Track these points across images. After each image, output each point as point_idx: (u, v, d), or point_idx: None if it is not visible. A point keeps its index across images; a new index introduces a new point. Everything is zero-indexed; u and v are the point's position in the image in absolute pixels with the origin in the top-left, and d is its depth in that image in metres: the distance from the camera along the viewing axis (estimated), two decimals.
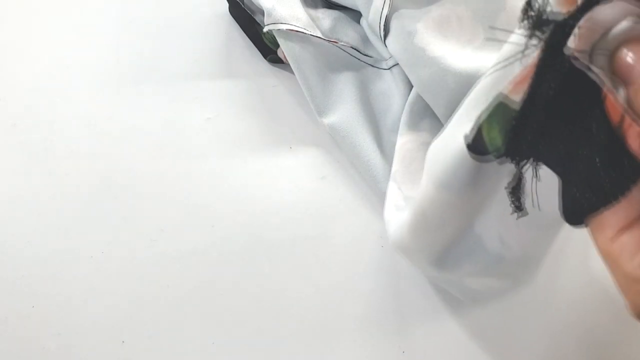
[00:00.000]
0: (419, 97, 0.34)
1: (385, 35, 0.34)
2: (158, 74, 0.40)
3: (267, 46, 0.39)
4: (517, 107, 0.18)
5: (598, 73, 0.16)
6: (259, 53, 0.41)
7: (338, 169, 0.36)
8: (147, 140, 0.37)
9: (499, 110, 0.19)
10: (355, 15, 0.38)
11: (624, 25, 0.16)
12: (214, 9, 0.43)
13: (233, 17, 0.42)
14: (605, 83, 0.16)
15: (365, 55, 0.37)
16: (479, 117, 0.19)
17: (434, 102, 0.33)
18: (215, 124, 0.38)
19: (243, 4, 0.39)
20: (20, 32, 0.41)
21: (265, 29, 0.37)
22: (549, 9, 0.17)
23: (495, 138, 0.19)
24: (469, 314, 0.32)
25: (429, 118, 0.34)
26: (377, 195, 0.34)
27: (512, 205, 0.22)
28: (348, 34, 0.37)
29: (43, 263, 0.32)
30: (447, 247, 0.25)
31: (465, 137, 0.20)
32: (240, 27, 0.42)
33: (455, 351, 0.31)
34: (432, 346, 0.31)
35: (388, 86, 0.37)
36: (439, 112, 0.32)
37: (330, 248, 0.33)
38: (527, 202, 0.21)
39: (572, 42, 0.16)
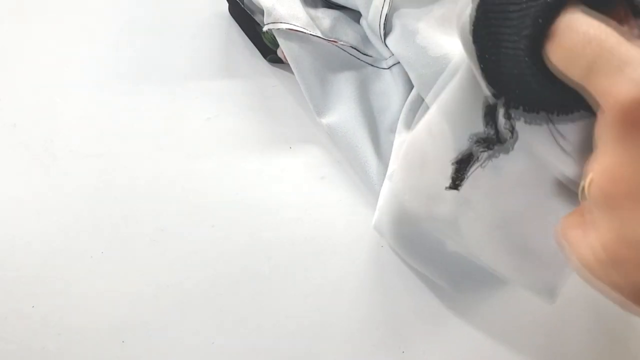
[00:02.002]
0: (419, 97, 0.34)
1: (386, 35, 0.34)
2: (158, 73, 0.39)
3: (267, 46, 0.39)
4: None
5: None
6: (259, 53, 0.41)
7: (338, 169, 0.36)
8: (147, 140, 0.37)
9: None
10: (355, 15, 0.38)
11: None
12: (214, 9, 0.43)
13: (233, 17, 0.42)
14: None
15: (364, 54, 0.37)
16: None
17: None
18: (215, 124, 0.37)
19: (243, 4, 0.39)
20: (20, 32, 0.41)
21: (265, 29, 0.37)
22: None
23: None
24: (468, 314, 0.32)
25: None
26: (374, 195, 0.34)
27: (451, 179, 0.22)
28: (348, 34, 0.37)
29: (43, 263, 0.32)
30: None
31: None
32: (240, 27, 0.42)
33: (455, 351, 0.31)
34: (432, 346, 0.31)
35: (387, 86, 0.37)
36: None
37: (330, 248, 0.33)
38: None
39: None
